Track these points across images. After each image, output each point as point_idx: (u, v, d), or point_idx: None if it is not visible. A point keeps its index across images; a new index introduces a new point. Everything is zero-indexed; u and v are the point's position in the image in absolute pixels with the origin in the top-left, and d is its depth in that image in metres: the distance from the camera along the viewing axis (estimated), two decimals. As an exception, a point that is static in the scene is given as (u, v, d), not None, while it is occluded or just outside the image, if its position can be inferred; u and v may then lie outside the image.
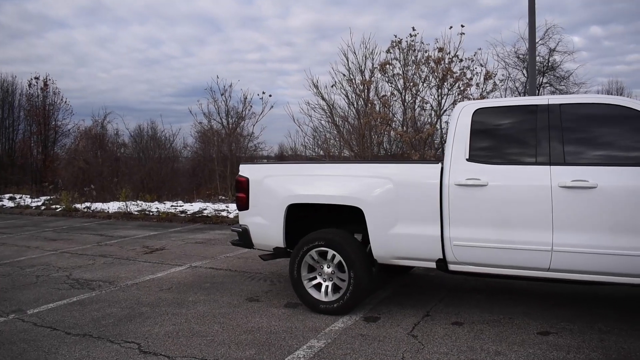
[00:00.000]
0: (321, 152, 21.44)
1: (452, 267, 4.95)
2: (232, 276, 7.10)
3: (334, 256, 5.28)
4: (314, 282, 5.46)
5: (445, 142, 4.74)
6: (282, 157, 26.37)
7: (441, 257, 4.92)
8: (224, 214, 13.06)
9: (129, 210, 13.92)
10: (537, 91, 19.14)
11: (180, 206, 15.49)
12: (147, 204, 15.26)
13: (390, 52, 17.40)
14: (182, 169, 26.44)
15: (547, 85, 18.81)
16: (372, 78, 18.46)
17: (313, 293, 5.43)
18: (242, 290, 6.38)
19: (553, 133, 4.62)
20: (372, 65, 18.43)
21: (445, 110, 17.98)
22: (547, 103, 4.75)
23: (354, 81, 18.50)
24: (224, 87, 20.97)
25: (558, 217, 4.46)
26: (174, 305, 5.78)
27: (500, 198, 4.67)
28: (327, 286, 5.39)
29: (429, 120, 18.65)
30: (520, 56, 19.06)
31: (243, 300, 5.92)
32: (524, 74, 18.94)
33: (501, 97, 19.68)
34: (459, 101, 17.68)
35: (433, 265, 5.01)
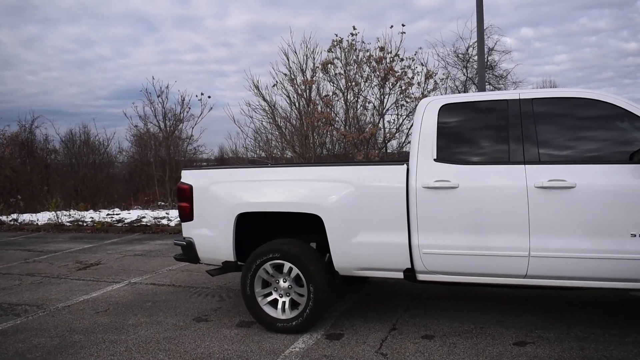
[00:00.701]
0: (263, 154, 20.86)
1: (421, 277, 4.50)
2: (176, 292, 6.42)
3: (290, 269, 4.73)
4: (270, 298, 4.89)
5: (409, 141, 4.26)
6: (222, 160, 25.54)
7: (409, 266, 4.46)
8: (164, 222, 12.24)
9: (60, 221, 12.83)
10: (476, 89, 19.24)
11: (117, 214, 14.53)
12: (81, 213, 14.20)
13: (332, 52, 17.00)
14: (119, 174, 25.18)
15: (487, 84, 18.92)
16: (314, 77, 18.00)
17: (269, 310, 4.86)
18: (189, 308, 5.73)
19: (526, 130, 4.24)
20: (314, 64, 17.98)
21: (388, 110, 17.76)
22: (518, 98, 4.36)
23: (295, 81, 17.98)
24: (160, 88, 20.04)
25: (535, 219, 4.08)
26: (111, 331, 5.07)
27: (472, 201, 4.25)
28: (284, 302, 4.84)
29: (372, 120, 18.37)
30: (460, 55, 19.13)
31: (190, 321, 5.28)
32: (463, 73, 19.04)
33: (441, 94, 19.64)
34: (401, 100, 17.52)
35: (400, 275, 4.55)
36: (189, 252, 5.21)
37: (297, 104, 18.52)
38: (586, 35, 37.18)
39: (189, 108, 20.24)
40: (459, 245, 4.28)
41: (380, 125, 18.68)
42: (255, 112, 18.51)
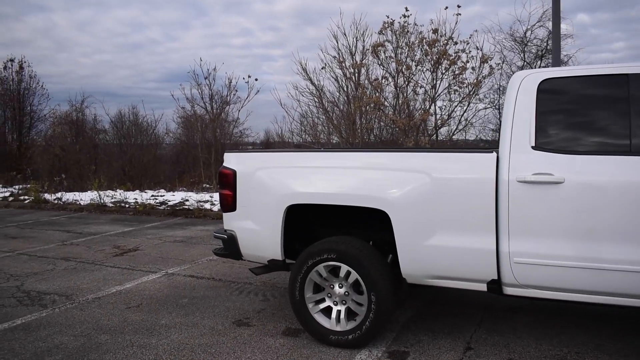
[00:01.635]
0: (309, 139, 20.09)
1: (509, 290, 3.60)
2: (215, 288, 5.69)
3: (348, 273, 3.91)
4: (322, 305, 4.09)
5: (500, 125, 3.35)
6: (268, 144, 24.87)
7: (495, 277, 3.57)
8: (207, 206, 11.60)
9: (102, 201, 12.35)
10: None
11: (161, 196, 14.01)
12: (125, 193, 13.72)
13: (383, 34, 16.02)
14: (165, 156, 24.81)
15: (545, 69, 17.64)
16: (364, 61, 17.06)
17: (321, 320, 4.06)
18: (229, 308, 4.98)
19: (653, 111, 3.29)
20: (364, 47, 17.05)
21: (440, 94, 16.69)
22: (641, 71, 3.40)
23: (344, 64, 17.06)
24: (208, 70, 19.40)
25: (667, 226, 3.14)
26: (141, 332, 4.38)
27: (581, 200, 3.32)
28: (339, 311, 4.03)
29: (422, 106, 17.32)
30: (518, 39, 17.80)
31: (230, 324, 4.54)
32: (521, 58, 17.71)
33: (497, 82, 18.37)
34: (454, 86, 16.39)
35: (483, 287, 3.66)
36: (230, 246, 4.45)
37: (345, 88, 17.65)
38: (646, 22, 34.84)
39: (236, 91, 19.58)
40: (561, 255, 3.36)
41: (431, 111, 17.62)
42: (303, 95, 17.74)
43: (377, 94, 16.88)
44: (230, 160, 4.48)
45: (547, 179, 3.37)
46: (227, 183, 4.40)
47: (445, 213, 3.61)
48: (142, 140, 23.30)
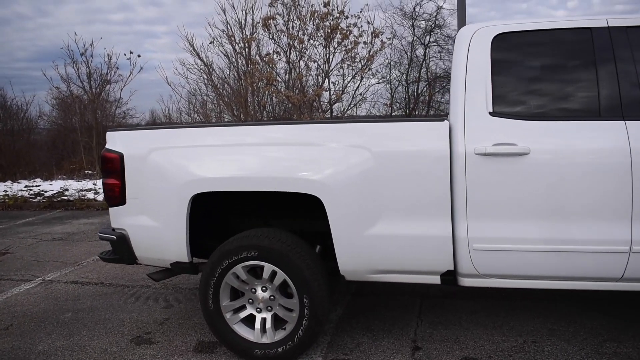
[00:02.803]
0: (199, 118, 18.88)
1: (466, 281, 3.01)
2: (105, 295, 4.66)
3: (274, 274, 3.12)
4: (243, 313, 3.28)
5: (449, 88, 2.68)
6: (154, 125, 23.11)
7: (451, 268, 2.96)
8: (91, 195, 10.20)
9: (-37, 197, 10.44)
10: (425, 50, 17.78)
11: (37, 186, 12.28)
12: (-8, 186, 11.82)
13: (273, 6, 15.12)
14: (41, 141, 22.21)
15: (434, 44, 17.55)
16: (254, 35, 16.06)
17: (242, 331, 3.25)
18: (124, 321, 4.01)
19: (623, 71, 2.79)
20: (253, 20, 16.04)
21: (333, 70, 16.17)
22: (606, 25, 2.88)
23: (233, 38, 15.95)
24: (84, 46, 17.37)
25: (645, 200, 2.67)
26: (8, 367, 3.33)
27: (549, 174, 2.76)
28: (264, 320, 3.24)
29: (316, 81, 16.73)
30: (407, 14, 17.61)
31: (127, 344, 3.59)
32: (410, 32, 17.55)
33: (387, 57, 18.13)
34: (347, 60, 15.96)
35: (436, 280, 3.04)
36: (120, 249, 3.48)
37: (236, 64, 16.59)
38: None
39: (117, 68, 17.74)
40: (528, 239, 2.81)
41: (325, 86, 17.07)
42: (190, 71, 16.45)
43: (269, 69, 16.00)
44: (115, 140, 3.48)
45: (510, 150, 2.78)
46: (112, 170, 3.40)
47: (390, 195, 2.92)
48: (12, 126, 20.70)
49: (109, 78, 18.03)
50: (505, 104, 2.90)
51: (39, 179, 14.09)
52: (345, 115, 17.21)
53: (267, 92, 17.24)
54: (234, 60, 16.43)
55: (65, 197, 10.09)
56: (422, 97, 18.03)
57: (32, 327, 4.00)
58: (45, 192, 11.19)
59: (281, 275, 3.09)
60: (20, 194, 10.71)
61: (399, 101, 18.25)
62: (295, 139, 3.09)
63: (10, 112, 20.95)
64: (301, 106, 16.08)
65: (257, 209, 3.70)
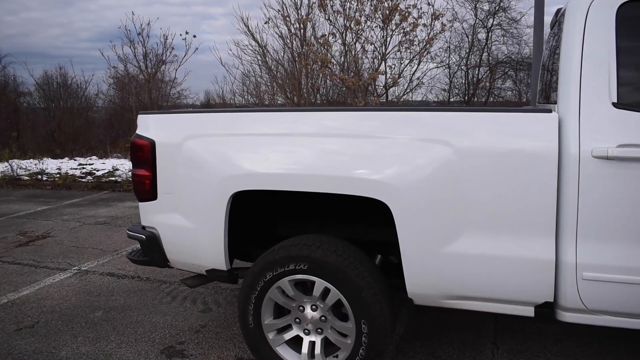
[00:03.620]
0: (252, 100, 18.52)
1: (567, 316, 2.34)
2: (140, 292, 4.22)
3: (326, 291, 2.55)
4: (288, 334, 2.73)
5: (557, 71, 1.97)
6: (209, 106, 22.92)
7: (550, 299, 2.31)
8: (141, 175, 9.89)
9: (16, 174, 10.33)
10: (487, 34, 16.74)
11: (90, 164, 12.15)
12: (46, 162, 11.70)
13: (330, -14, 14.44)
14: (98, 120, 22.42)
15: (497, 27, 16.49)
16: (310, 16, 15.45)
17: (286, 355, 2.72)
18: (156, 325, 3.54)
19: None
20: (309, 1, 15.44)
21: (390, 53, 15.44)
22: None
23: (289, 19, 15.39)
24: (141, 25, 17.25)
25: None
26: (24, 378, 2.91)
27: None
28: (312, 343, 2.69)
29: (372, 65, 16.02)
30: (469, -6, 16.60)
31: (157, 355, 3.12)
32: (472, 15, 16.55)
33: (447, 41, 17.20)
34: (404, 42, 15.22)
35: (529, 312, 2.39)
36: (150, 250, 2.99)
37: (290, 45, 16.06)
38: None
39: (172, 48, 17.57)
40: (663, 269, 2.12)
41: (381, 70, 16.31)
42: (245, 52, 16.05)
43: (324, 51, 15.38)
44: (147, 125, 2.96)
45: (642, 153, 2.09)
46: (142, 159, 2.90)
47: (477, 204, 2.28)
48: (72, 104, 20.93)
49: (164, 58, 17.90)
50: (636, 92, 2.19)
51: (94, 157, 14.01)
52: (401, 100, 16.51)
53: (321, 75, 16.67)
54: (288, 41, 15.91)
55: (114, 178, 9.82)
56: (482, 83, 17.08)
57: (58, 326, 3.59)
58: (97, 170, 11.01)
59: (335, 294, 2.52)
60: (71, 172, 10.53)
61: (457, 87, 17.35)
62: (359, 130, 2.47)
63: (70, 91, 21.20)
64: (356, 90, 15.41)
65: (309, 210, 3.12)
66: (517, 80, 17.55)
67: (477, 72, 17.16)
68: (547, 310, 2.36)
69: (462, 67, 17.26)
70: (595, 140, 2.16)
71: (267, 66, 16.74)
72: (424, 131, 2.35)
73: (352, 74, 16.30)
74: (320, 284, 2.54)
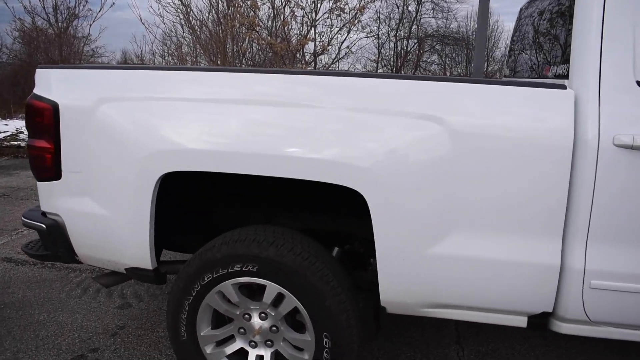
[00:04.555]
0: (173, 61, 17.40)
1: (565, 327, 1.97)
2: (44, 283, 3.51)
3: (279, 298, 2.04)
4: (230, 347, 2.21)
5: (569, 44, 1.52)
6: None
7: (549, 309, 1.92)
8: (49, 140, 8.80)
9: None
10: (417, 6, 16.46)
11: (-11, 126, 10.79)
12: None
13: (260, -56, 13.60)
14: (2, 76, 20.26)
15: (428, 0, 16.24)
16: (237, -26, 14.52)
17: (227, 372, 2.20)
18: (63, 327, 2.89)
19: None
20: (237, -41, 14.48)
21: (320, 19, 14.95)
22: None
23: (215, -23, 14.37)
24: (50, -27, 15.50)
25: None
26: None
27: None
28: (260, 358, 2.18)
29: (300, 30, 15.45)
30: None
31: (61, 369, 2.51)
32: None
33: (378, 10, 16.83)
34: (335, 10, 14.78)
35: (521, 322, 2.00)
36: (53, 243, 2.32)
37: (216, 5, 15.05)
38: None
39: (86, 2, 16.00)
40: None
41: (310, 36, 15.74)
42: (167, 10, 14.88)
43: (252, 14, 14.55)
44: (49, 83, 2.25)
45: (675, 140, 1.71)
46: (41, 127, 2.21)
47: (471, 198, 1.83)
48: (-29, 58, 18.75)
49: (77, 12, 16.29)
50: (666, 67, 1.81)
51: (-5, 117, 12.54)
52: (332, 69, 16.08)
53: (247, 39, 15.86)
54: (214, 1, 14.92)
55: (17, 143, 8.68)
56: (409, 56, 16.88)
57: None
58: (-2, 133, 9.75)
59: (291, 301, 2.02)
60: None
61: (385, 58, 17.04)
62: (326, 100, 1.93)
63: (-32, 43, 18.93)
64: (283, 56, 14.78)
65: (253, 192, 2.57)
66: (443, 54, 17.54)
67: (405, 44, 16.94)
68: (542, 321, 1.98)
69: (392, 38, 16.96)
70: (616, 125, 1.76)
71: (190, 26, 15.67)
72: (412, 105, 1.85)
73: (280, 39, 15.64)
74: (272, 288, 2.02)
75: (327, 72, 2.02)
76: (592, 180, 1.76)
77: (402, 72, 16.87)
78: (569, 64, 1.93)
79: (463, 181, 1.81)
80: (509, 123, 1.80)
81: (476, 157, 1.80)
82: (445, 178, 1.82)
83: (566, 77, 1.94)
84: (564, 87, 1.81)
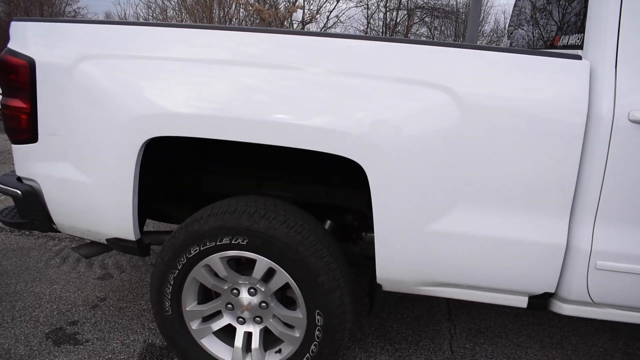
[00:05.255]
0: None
1: (566, 308, 1.90)
2: (20, 251, 3.37)
3: (270, 272, 1.94)
4: (217, 323, 2.11)
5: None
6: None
7: (551, 290, 1.85)
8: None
9: None
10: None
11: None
12: None
13: None
14: (-21, 35, 19.62)
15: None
16: (226, -64, 14.16)
17: (215, 349, 2.11)
18: (41, 298, 2.77)
19: None
20: None
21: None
22: None
23: (202, -62, 13.99)
24: None
25: None
26: None
27: None
28: (248, 335, 2.09)
29: (289, -3, 15.18)
30: None
31: (40, 341, 2.38)
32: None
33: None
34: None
35: (521, 302, 1.93)
36: (29, 210, 2.18)
37: (203, -32, 14.69)
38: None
39: (67, -42, 15.42)
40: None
41: (299, 4, 15.45)
42: (152, -29, 14.48)
43: (240, -22, 14.23)
44: (25, 37, 2.07)
45: (696, 117, 1.62)
46: (16, 85, 2.04)
47: (477, 172, 1.73)
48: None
49: (57, -31, 15.71)
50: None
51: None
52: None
53: (234, 4, 15.50)
54: (201, -37, 14.57)
55: (-5, 104, 8.35)
56: (399, 27, 16.62)
57: None
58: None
59: (282, 277, 1.92)
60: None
61: (374, 29, 16.75)
62: (325, 63, 1.79)
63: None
64: (271, 23, 14.47)
65: (241, 159, 2.44)
66: (432, 27, 17.31)
67: (395, 15, 16.66)
68: (542, 302, 1.91)
69: (381, 8, 16.66)
70: (632, 100, 1.65)
71: (176, -11, 15.30)
72: (420, 73, 1.72)
73: (268, 5, 15.31)
74: (263, 263, 1.92)
75: (325, 33, 1.87)
76: (605, 157, 1.67)
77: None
78: (582, 33, 1.82)
79: (469, 154, 1.71)
80: (519, 94, 1.69)
81: (483, 130, 1.69)
82: (451, 150, 1.71)
83: (579, 47, 1.82)
84: (579, 57, 1.70)
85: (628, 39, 1.68)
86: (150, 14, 16.74)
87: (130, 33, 1.98)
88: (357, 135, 1.72)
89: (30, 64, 2.00)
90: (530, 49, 2.39)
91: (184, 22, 15.82)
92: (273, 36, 1.87)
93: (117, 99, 1.90)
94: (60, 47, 2.02)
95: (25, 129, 2.07)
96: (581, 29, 1.85)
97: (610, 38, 1.69)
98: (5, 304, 2.68)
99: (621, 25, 1.69)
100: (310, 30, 15.96)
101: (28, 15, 16.84)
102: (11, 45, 2.08)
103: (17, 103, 2.05)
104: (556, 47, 2.15)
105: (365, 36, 1.65)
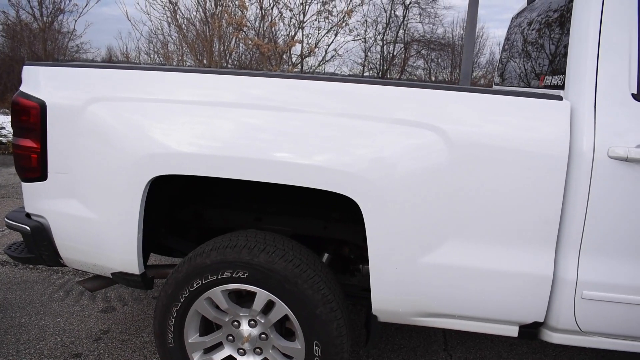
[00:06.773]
0: (159, 60, 17.21)
1: (556, 337, 1.97)
2: (26, 284, 3.43)
3: (270, 305, 2.01)
4: (219, 355, 2.16)
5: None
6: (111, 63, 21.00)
7: (540, 319, 1.92)
8: (31, 136, 8.64)
9: None
10: (405, 10, 16.50)
11: (-30, 120, 10.55)
12: None
13: (249, -55, 13.57)
14: (-16, 70, 19.91)
15: (415, 5, 16.29)
16: (226, -26, 14.47)
17: (215, 381, 2.15)
18: (45, 331, 2.81)
19: None
20: (226, -41, 14.42)
21: (307, 21, 14.96)
22: None
23: (203, -25, 14.30)
24: (35, -33, 15.27)
25: None
26: None
27: None
28: (249, 366, 2.14)
29: (288, 32, 15.44)
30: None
31: (42, 374, 2.43)
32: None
33: (366, 14, 16.89)
34: (323, 13, 14.89)
35: (512, 332, 1.99)
36: (37, 245, 2.25)
37: (203, 4, 14.96)
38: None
39: (73, -5, 15.79)
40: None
41: (298, 38, 15.72)
42: (153, 8, 14.77)
43: (239, 14, 14.49)
44: (37, 80, 2.18)
45: (670, 154, 1.71)
46: (27, 126, 2.14)
47: (467, 208, 1.82)
48: (-47, 51, 18.37)
49: (62, 7, 16.07)
50: (661, 81, 1.81)
51: (-24, 112, 12.29)
52: (319, 71, 16.08)
53: (235, 39, 15.77)
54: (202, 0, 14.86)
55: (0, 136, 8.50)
56: (396, 60, 16.94)
57: None
58: (-21, 128, 9.54)
59: (281, 309, 1.98)
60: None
61: (372, 62, 17.08)
62: (321, 105, 1.89)
63: (-51, 36, 18.54)
64: (270, 57, 14.73)
65: (242, 195, 2.53)
66: (429, 59, 17.63)
67: (392, 48, 16.99)
68: (533, 330, 1.97)
69: (379, 41, 16.99)
70: (611, 137, 1.75)
71: (177, 24, 15.57)
72: (409, 113, 1.83)
73: (268, 40, 15.60)
74: (262, 296, 1.98)
75: (322, 77, 1.98)
76: (587, 191, 1.76)
77: (388, 76, 16.90)
78: (564, 74, 1.93)
79: (458, 190, 1.79)
80: (504, 133, 1.79)
81: (471, 166, 1.78)
82: (441, 186, 1.80)
83: (561, 87, 1.93)
84: (560, 97, 1.80)
85: (606, 81, 1.78)
86: (152, 48, 17.02)
87: (138, 77, 2.09)
88: (352, 174, 1.81)
89: (42, 106, 2.10)
90: (515, 89, 2.50)
91: (184, 56, 16.11)
92: (273, 80, 1.98)
93: (125, 139, 1.99)
94: (71, 89, 2.13)
95: (35, 168, 2.16)
96: (563, 71, 1.96)
97: (589, 79, 1.80)
98: (10, 337, 2.73)
99: (599, 67, 1.80)
100: (309, 62, 16.24)
101: (31, 49, 17.13)
102: (23, 87, 2.19)
103: (28, 143, 2.15)
104: (542, 87, 2.26)
105: (355, 79, 1.74)
